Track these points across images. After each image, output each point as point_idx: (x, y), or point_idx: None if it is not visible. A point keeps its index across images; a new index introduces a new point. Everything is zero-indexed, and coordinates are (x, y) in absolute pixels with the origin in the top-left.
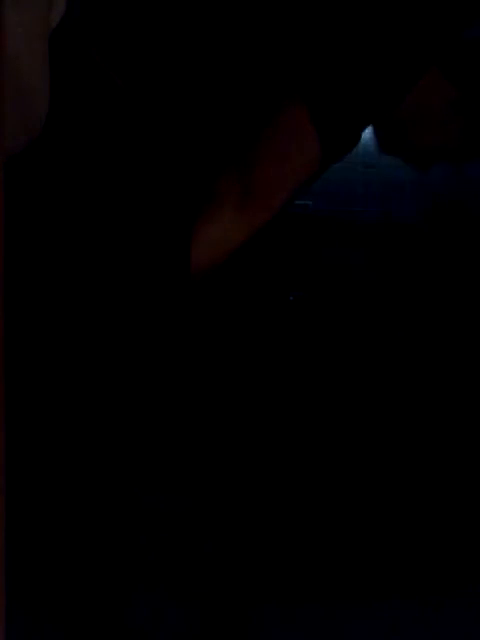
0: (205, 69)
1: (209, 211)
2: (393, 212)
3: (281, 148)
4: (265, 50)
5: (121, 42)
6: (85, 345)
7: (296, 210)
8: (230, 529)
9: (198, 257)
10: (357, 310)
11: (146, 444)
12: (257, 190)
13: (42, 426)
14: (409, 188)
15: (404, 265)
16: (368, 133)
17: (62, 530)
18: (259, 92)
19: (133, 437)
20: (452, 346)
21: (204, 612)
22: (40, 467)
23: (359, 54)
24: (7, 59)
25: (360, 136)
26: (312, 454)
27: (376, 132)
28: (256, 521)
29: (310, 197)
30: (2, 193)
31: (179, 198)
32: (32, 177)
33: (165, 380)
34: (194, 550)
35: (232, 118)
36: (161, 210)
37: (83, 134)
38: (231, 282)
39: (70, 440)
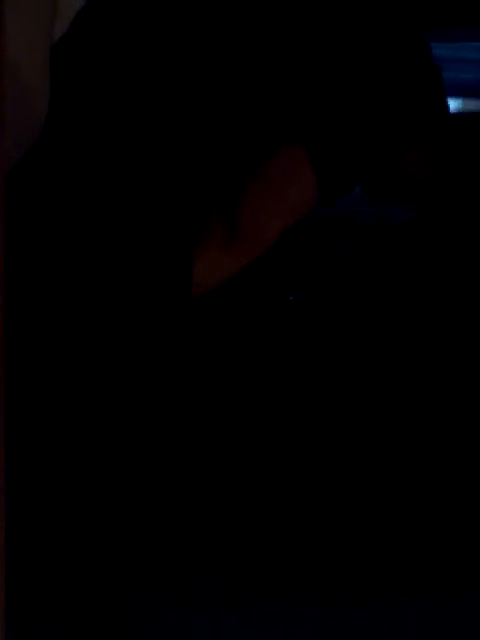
0: (199, 98)
1: (197, 251)
2: (392, 212)
3: (276, 190)
4: (262, 89)
5: (117, 58)
6: (85, 347)
7: None
8: (230, 529)
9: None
10: (357, 310)
11: (146, 444)
12: (245, 234)
13: (42, 427)
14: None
15: (403, 265)
16: None
17: (62, 530)
18: (254, 130)
19: (133, 438)
20: (451, 345)
21: (203, 611)
22: (40, 467)
23: (360, 97)
24: (8, 62)
25: (358, 182)
26: (313, 454)
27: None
28: (257, 521)
29: None
30: (2, 200)
31: (177, 220)
32: (28, 193)
33: (166, 380)
34: (194, 550)
35: (225, 149)
36: (160, 232)
37: (77, 146)
38: (231, 282)
39: (70, 441)
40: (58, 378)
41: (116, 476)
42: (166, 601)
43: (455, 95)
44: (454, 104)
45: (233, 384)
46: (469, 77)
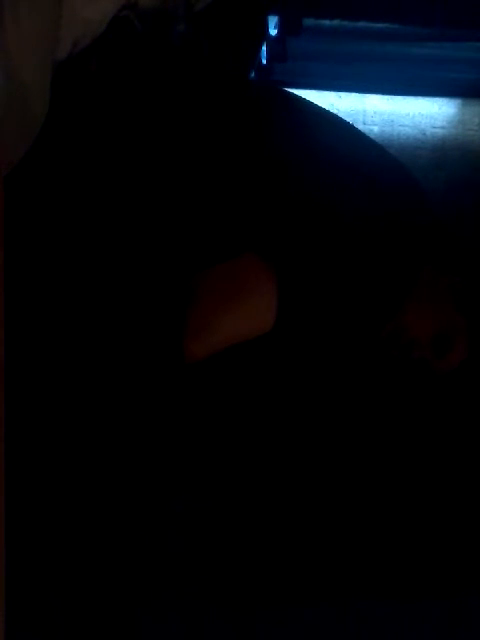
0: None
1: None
2: None
3: (229, 294)
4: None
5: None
6: (83, 347)
7: None
8: (230, 532)
9: None
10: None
11: (146, 446)
12: (195, 328)
13: (44, 435)
14: None
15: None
16: (378, 105)
17: (64, 536)
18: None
19: (133, 440)
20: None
21: (205, 616)
22: (42, 471)
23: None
24: (8, 62)
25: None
26: (313, 455)
27: None
28: (256, 523)
29: None
30: (2, 200)
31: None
32: (28, 194)
33: (166, 381)
34: (194, 553)
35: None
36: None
37: (74, 151)
38: None
39: (72, 446)
40: (58, 379)
41: (118, 482)
42: (167, 607)
43: (455, 95)
44: (454, 104)
45: (232, 384)
46: (469, 77)
